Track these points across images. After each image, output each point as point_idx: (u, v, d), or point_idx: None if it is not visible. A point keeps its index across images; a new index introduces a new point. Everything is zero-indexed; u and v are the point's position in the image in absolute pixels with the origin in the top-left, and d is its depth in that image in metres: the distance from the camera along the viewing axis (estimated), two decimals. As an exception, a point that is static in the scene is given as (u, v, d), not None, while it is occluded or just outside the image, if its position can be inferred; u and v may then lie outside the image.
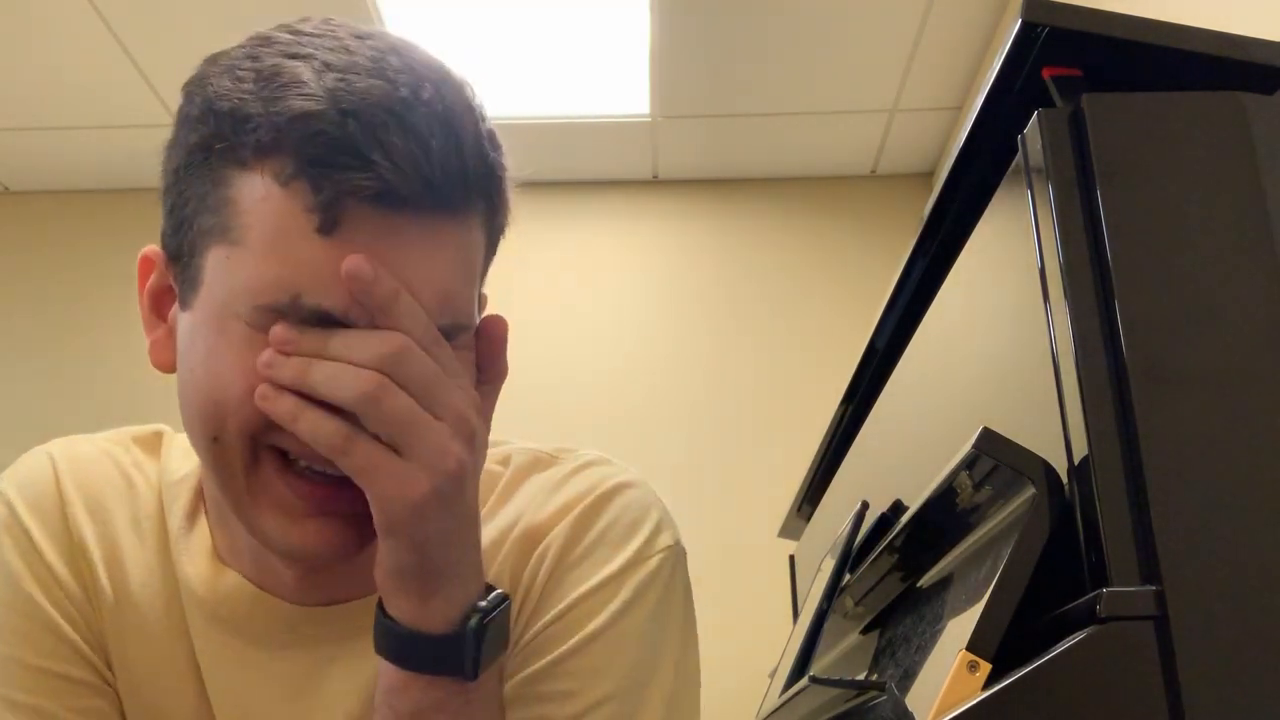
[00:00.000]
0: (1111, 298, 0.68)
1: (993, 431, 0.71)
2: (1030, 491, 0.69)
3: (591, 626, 0.74)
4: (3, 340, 3.07)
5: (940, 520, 0.86)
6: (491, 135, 0.70)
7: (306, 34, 0.67)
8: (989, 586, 0.66)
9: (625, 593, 0.75)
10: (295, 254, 0.64)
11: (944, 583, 0.82)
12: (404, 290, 0.64)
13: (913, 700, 0.72)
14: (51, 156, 3.07)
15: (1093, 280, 0.69)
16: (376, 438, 0.63)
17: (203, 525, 0.80)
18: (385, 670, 0.68)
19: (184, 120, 0.69)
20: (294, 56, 0.65)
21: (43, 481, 0.79)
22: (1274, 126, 0.73)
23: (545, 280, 3.10)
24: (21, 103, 2.85)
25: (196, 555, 0.79)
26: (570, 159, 3.11)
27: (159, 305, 0.73)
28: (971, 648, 0.64)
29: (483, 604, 0.68)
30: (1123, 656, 0.61)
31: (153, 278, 0.73)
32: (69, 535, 0.78)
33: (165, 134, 0.72)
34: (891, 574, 1.00)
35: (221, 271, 0.66)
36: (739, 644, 2.54)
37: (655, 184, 3.23)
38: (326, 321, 0.64)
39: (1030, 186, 0.76)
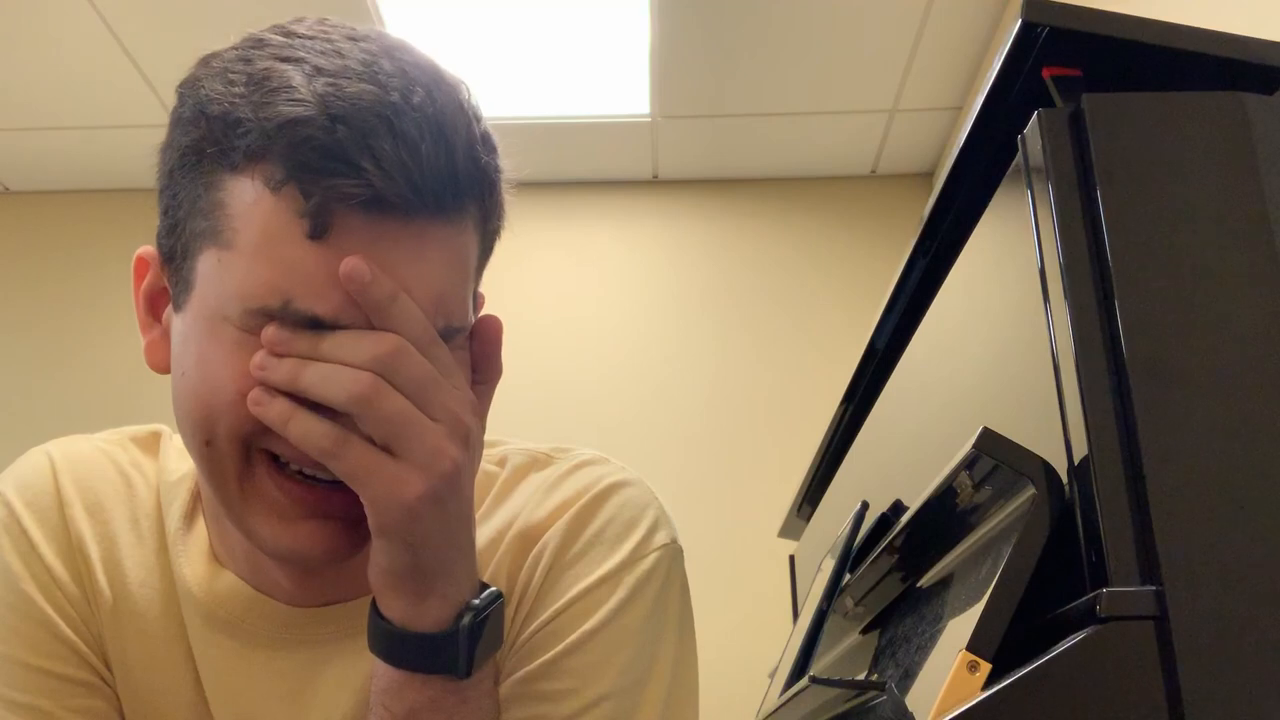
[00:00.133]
0: (1111, 298, 0.68)
1: (993, 431, 0.71)
2: (1030, 491, 0.69)
3: (588, 625, 0.74)
4: (2, 340, 3.07)
5: (940, 520, 0.86)
6: (486, 137, 0.69)
7: (300, 36, 0.67)
8: (989, 586, 0.66)
9: (622, 591, 0.75)
10: (286, 259, 0.64)
11: (944, 583, 0.82)
12: (401, 291, 0.64)
13: (913, 700, 0.72)
14: (51, 156, 3.07)
15: (1093, 280, 0.69)
16: (370, 440, 0.63)
17: (200, 526, 0.80)
18: (379, 670, 0.68)
19: (177, 122, 0.69)
20: (286, 60, 0.65)
21: (41, 481, 0.79)
22: (1274, 126, 0.73)
23: (545, 280, 3.10)
24: (21, 103, 2.85)
25: (194, 556, 0.79)
26: (570, 159, 3.11)
27: (154, 306, 0.73)
28: (971, 648, 0.64)
29: (476, 602, 0.68)
30: (1123, 656, 0.61)
31: (148, 278, 0.73)
32: (67, 535, 0.78)
33: (163, 135, 0.72)
34: (891, 574, 1.00)
35: (213, 275, 0.66)
36: (739, 644, 2.55)
37: (655, 184, 3.23)
38: (317, 326, 0.64)
39: (1030, 186, 0.75)
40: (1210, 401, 0.66)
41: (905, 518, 0.92)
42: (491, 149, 0.70)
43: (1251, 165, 0.71)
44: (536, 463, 0.82)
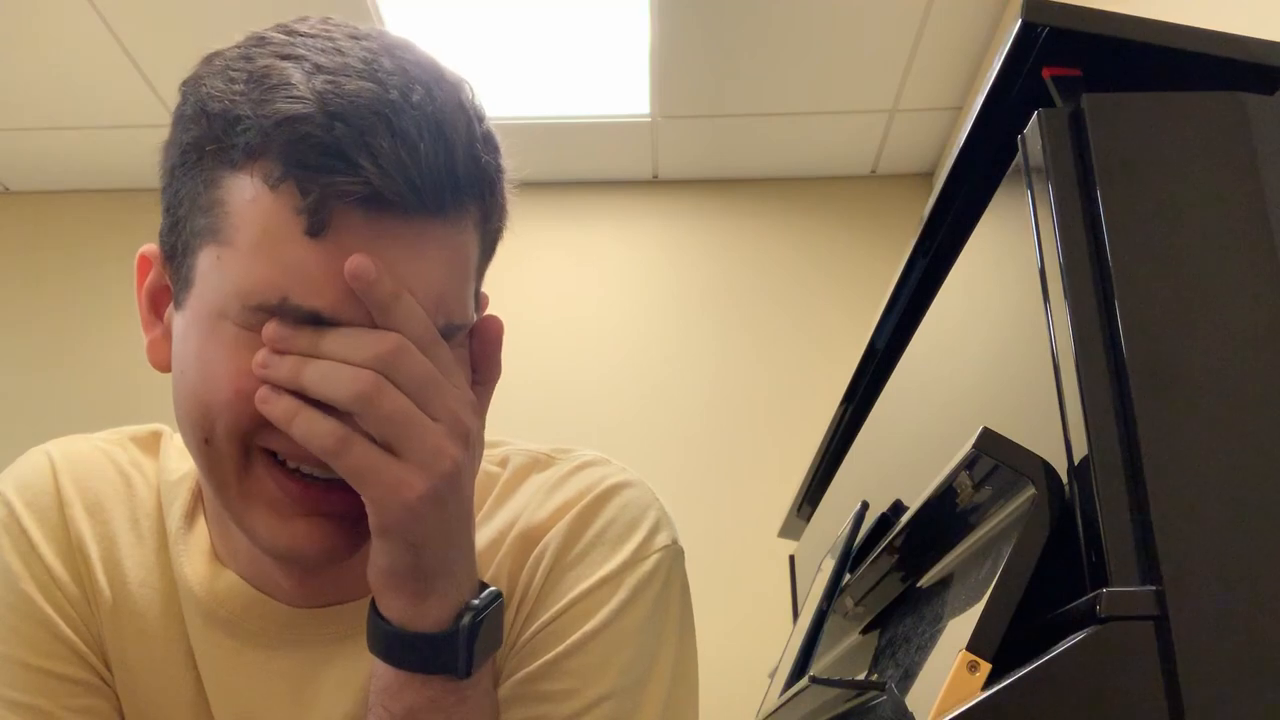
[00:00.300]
0: (1111, 298, 0.68)
1: (993, 431, 0.71)
2: (1030, 491, 0.69)
3: (589, 625, 0.74)
4: (2, 339, 3.07)
5: (940, 520, 0.86)
6: (487, 136, 0.69)
7: (301, 34, 0.67)
8: (989, 586, 0.66)
9: (623, 592, 0.75)
10: (284, 255, 0.64)
11: (944, 583, 0.82)
12: (404, 290, 0.64)
13: (913, 700, 0.72)
14: (51, 156, 3.07)
15: (1093, 280, 0.69)
16: (370, 439, 0.63)
17: (201, 525, 0.80)
18: (378, 670, 0.68)
19: (178, 120, 0.69)
20: (286, 58, 0.65)
21: (41, 481, 0.79)
22: (1274, 126, 0.73)
23: (545, 280, 3.10)
24: (21, 103, 2.85)
25: (195, 555, 0.79)
26: (570, 159, 3.11)
27: (156, 304, 0.73)
28: (971, 648, 0.64)
29: (476, 602, 0.68)
30: (1123, 656, 0.61)
31: (150, 277, 0.73)
32: (67, 535, 0.78)
33: (165, 134, 0.72)
34: (891, 574, 1.00)
35: (212, 272, 0.66)
36: (739, 644, 2.55)
37: (655, 184, 3.23)
38: (316, 322, 0.64)
39: (1030, 186, 0.75)
40: (1210, 401, 0.66)
41: (905, 518, 0.92)
42: (493, 148, 0.70)
43: (1251, 165, 0.71)
44: (538, 463, 0.82)
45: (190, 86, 0.69)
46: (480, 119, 0.69)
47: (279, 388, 0.64)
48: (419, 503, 0.63)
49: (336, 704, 0.76)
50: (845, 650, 1.18)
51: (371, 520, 0.65)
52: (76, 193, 3.19)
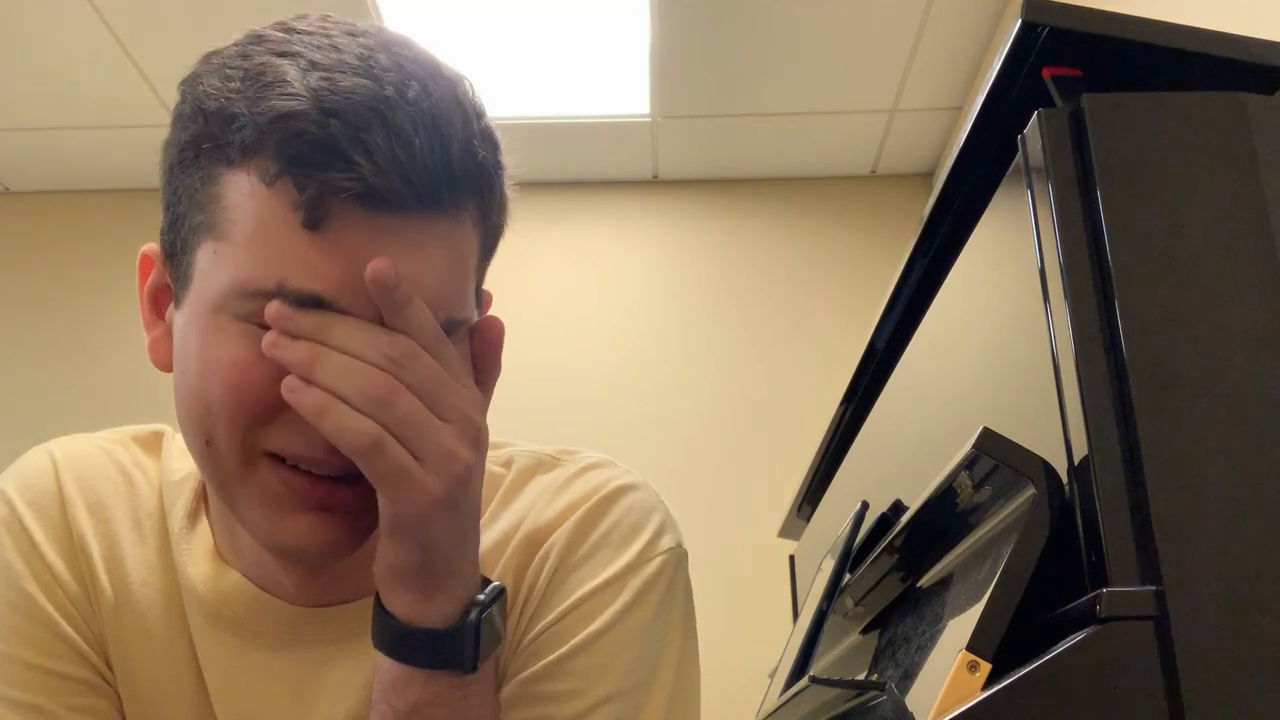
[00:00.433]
0: (1111, 298, 0.68)
1: (993, 431, 0.71)
2: (1030, 491, 0.69)
3: (593, 627, 0.74)
4: (2, 339, 3.07)
5: (940, 520, 0.86)
6: (486, 132, 0.69)
7: (299, 31, 0.67)
8: (989, 586, 0.66)
9: (627, 594, 0.75)
10: (280, 244, 0.64)
11: (944, 583, 0.82)
12: (417, 296, 0.64)
13: (913, 700, 0.72)
14: (51, 156, 3.07)
15: (1093, 280, 0.69)
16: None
17: (204, 525, 0.80)
18: (383, 666, 0.68)
19: (177, 118, 0.70)
20: (282, 55, 0.66)
21: (43, 480, 0.79)
22: (1274, 126, 0.73)
23: (545, 280, 3.10)
24: (21, 103, 2.85)
25: (198, 554, 0.79)
26: (570, 159, 3.11)
27: (157, 303, 0.73)
28: (971, 648, 0.64)
29: (481, 597, 0.68)
30: (1123, 656, 0.61)
31: (151, 276, 0.73)
32: (69, 534, 0.78)
33: (165, 133, 0.72)
34: (891, 574, 1.00)
35: (209, 267, 0.67)
36: (739, 644, 2.55)
37: (655, 184, 3.23)
38: (314, 305, 0.64)
39: (1030, 186, 0.75)
40: (1210, 401, 0.66)
41: (905, 518, 0.92)
42: (492, 145, 0.70)
43: (1251, 165, 0.71)
44: (542, 465, 0.82)
45: (188, 85, 0.69)
46: (479, 115, 0.69)
47: (301, 376, 0.63)
48: (433, 505, 0.64)
49: (338, 704, 0.76)
50: (845, 650, 1.18)
51: (384, 519, 0.65)
52: (76, 193, 3.19)
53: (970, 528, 0.81)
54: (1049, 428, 0.70)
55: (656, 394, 3.01)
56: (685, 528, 0.82)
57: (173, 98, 0.71)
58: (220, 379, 0.66)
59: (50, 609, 0.76)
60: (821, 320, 3.06)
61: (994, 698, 0.61)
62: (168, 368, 0.72)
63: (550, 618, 0.75)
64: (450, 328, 0.67)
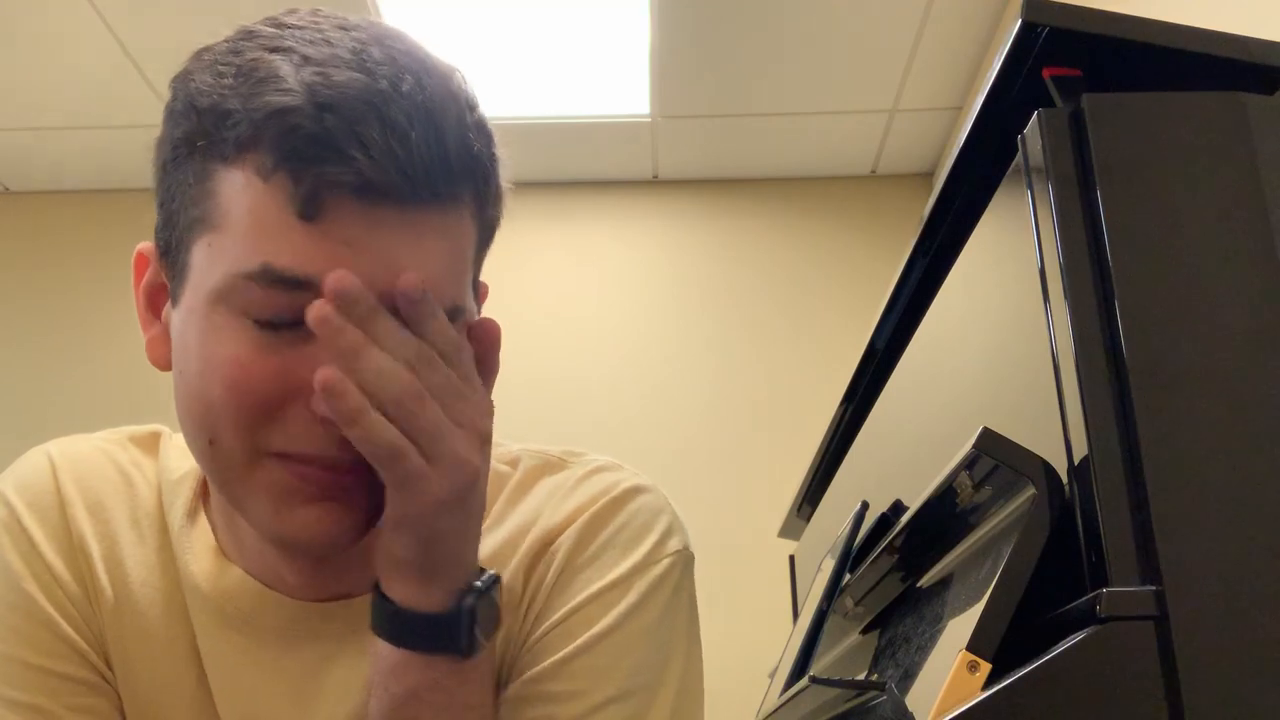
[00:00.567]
0: (1111, 298, 0.68)
1: (993, 431, 0.71)
2: (1030, 491, 0.69)
3: (598, 627, 0.74)
4: (2, 339, 3.07)
5: (940, 520, 0.86)
6: (480, 124, 0.70)
7: (290, 26, 0.67)
8: (989, 586, 0.66)
9: (633, 595, 0.75)
10: (272, 233, 0.64)
11: (944, 583, 0.82)
12: (438, 306, 0.65)
13: (913, 700, 0.72)
14: (51, 156, 3.07)
15: (1093, 280, 0.69)
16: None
17: (203, 523, 0.80)
18: (382, 651, 0.69)
19: (169, 116, 0.70)
20: (274, 50, 0.66)
21: (42, 481, 0.79)
22: (1274, 126, 0.73)
23: (545, 280, 3.10)
24: (21, 103, 2.85)
25: (199, 552, 0.79)
26: (570, 159, 3.11)
27: (153, 302, 0.73)
28: (971, 648, 0.64)
29: (478, 584, 0.69)
30: (1123, 656, 0.61)
31: (147, 275, 0.73)
32: (68, 534, 0.78)
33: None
34: (891, 574, 1.00)
35: (204, 262, 0.67)
36: (739, 644, 2.54)
37: (655, 184, 3.23)
38: (304, 288, 0.63)
39: (1030, 186, 0.75)
40: (1210, 401, 0.66)
41: (905, 518, 0.92)
42: (487, 137, 0.70)
43: (1251, 165, 0.71)
44: (550, 466, 0.82)
45: (180, 82, 0.69)
46: (472, 107, 0.70)
47: (338, 388, 0.63)
48: (440, 507, 0.65)
49: (342, 700, 0.76)
50: (845, 650, 1.18)
51: (390, 513, 0.66)
52: (76, 193, 3.19)
53: (970, 528, 0.81)
54: (1049, 428, 0.70)
55: (656, 394, 3.01)
56: (685, 527, 0.82)
57: (172, 97, 0.71)
58: (220, 377, 0.66)
59: (50, 609, 0.76)
60: (821, 320, 3.06)
61: (994, 698, 0.61)
62: (166, 366, 0.72)
63: (556, 617, 0.75)
64: (452, 316, 0.68)
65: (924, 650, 0.76)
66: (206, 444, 0.68)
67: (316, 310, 0.62)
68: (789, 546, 2.04)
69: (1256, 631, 0.62)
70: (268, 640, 0.77)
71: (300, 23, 0.68)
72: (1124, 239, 0.69)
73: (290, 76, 0.64)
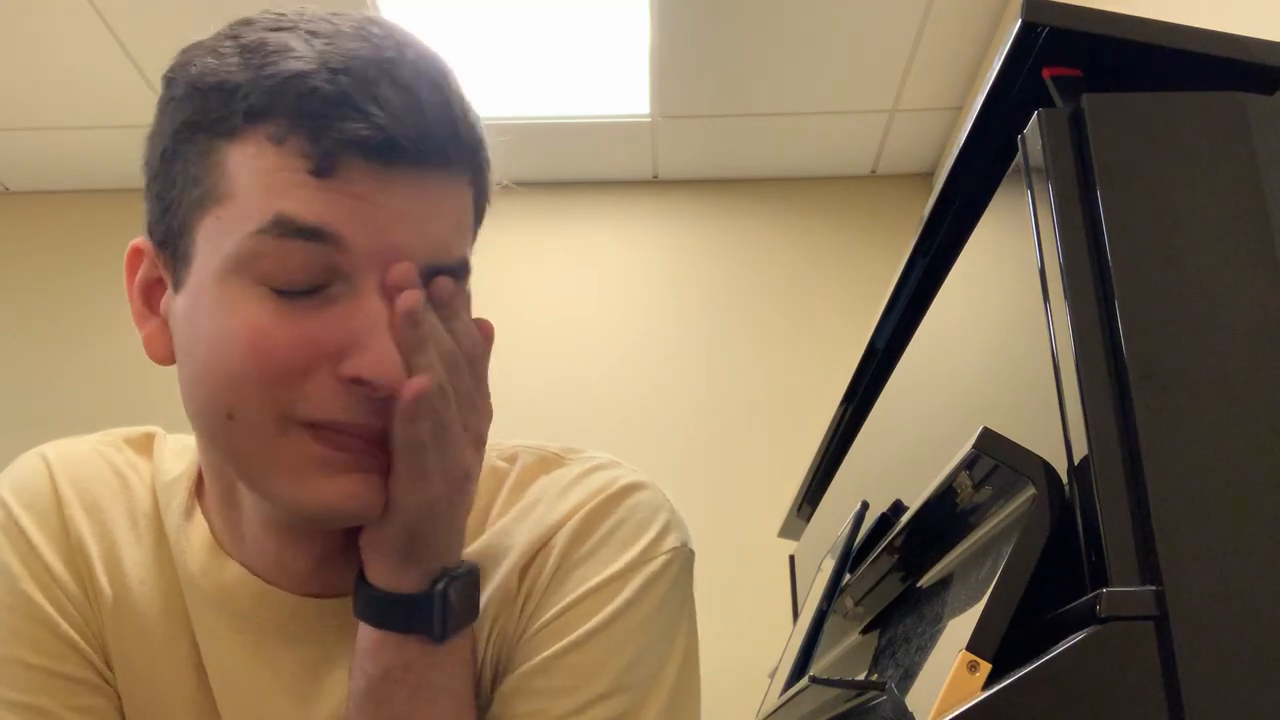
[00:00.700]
0: (1111, 298, 0.68)
1: (993, 431, 0.71)
2: (1030, 491, 0.69)
3: (592, 623, 0.74)
4: (2, 339, 3.07)
5: (940, 520, 0.86)
6: (472, 104, 0.72)
7: (285, 14, 0.69)
8: (989, 586, 0.66)
9: (628, 591, 0.75)
10: (286, 188, 0.65)
11: (944, 583, 0.82)
12: (467, 313, 0.69)
13: (913, 700, 0.72)
14: (51, 156, 3.07)
15: (1093, 280, 0.69)
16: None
17: (200, 521, 0.79)
18: (363, 634, 0.71)
19: (165, 106, 0.70)
20: (278, 30, 0.67)
21: (38, 482, 0.79)
22: (1274, 126, 0.73)
23: (545, 280, 3.10)
24: (21, 103, 2.85)
25: (197, 550, 0.78)
26: (570, 159, 3.11)
27: (149, 298, 0.73)
28: (971, 648, 0.64)
29: (457, 571, 0.71)
30: (1123, 656, 0.61)
31: (142, 270, 0.73)
32: (66, 534, 0.78)
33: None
34: (891, 574, 1.00)
35: (213, 236, 0.67)
36: (739, 644, 2.54)
37: (655, 184, 3.23)
38: (318, 238, 0.64)
39: (1030, 186, 0.75)
40: (1210, 401, 0.66)
41: (905, 518, 0.92)
42: (478, 117, 0.72)
43: (1251, 165, 0.71)
44: (548, 462, 0.82)
45: (176, 73, 0.70)
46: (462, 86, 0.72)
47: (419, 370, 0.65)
48: (433, 503, 0.68)
49: (343, 697, 0.76)
50: (845, 650, 1.18)
51: (390, 502, 0.68)
52: (76, 193, 3.19)
53: (970, 528, 0.81)
54: (1049, 428, 0.70)
55: (656, 394, 3.01)
56: (685, 524, 0.82)
57: (173, 98, 0.71)
58: (239, 346, 0.65)
59: (49, 609, 0.76)
60: (821, 320, 3.06)
61: (994, 698, 0.61)
62: (167, 360, 0.72)
63: (551, 613, 0.75)
64: (460, 270, 0.70)
65: (924, 650, 0.76)
66: (224, 419, 0.67)
67: (410, 298, 0.64)
68: (789, 546, 2.04)
69: (1256, 631, 0.62)
70: (267, 637, 0.77)
71: (296, 12, 0.70)
72: (1124, 239, 0.69)
73: (301, 47, 0.65)
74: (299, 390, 0.66)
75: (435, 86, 0.67)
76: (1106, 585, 0.63)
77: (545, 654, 0.74)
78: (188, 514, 0.80)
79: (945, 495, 0.80)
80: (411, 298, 0.65)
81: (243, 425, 0.67)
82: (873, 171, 3.20)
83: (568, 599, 0.75)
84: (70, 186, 3.18)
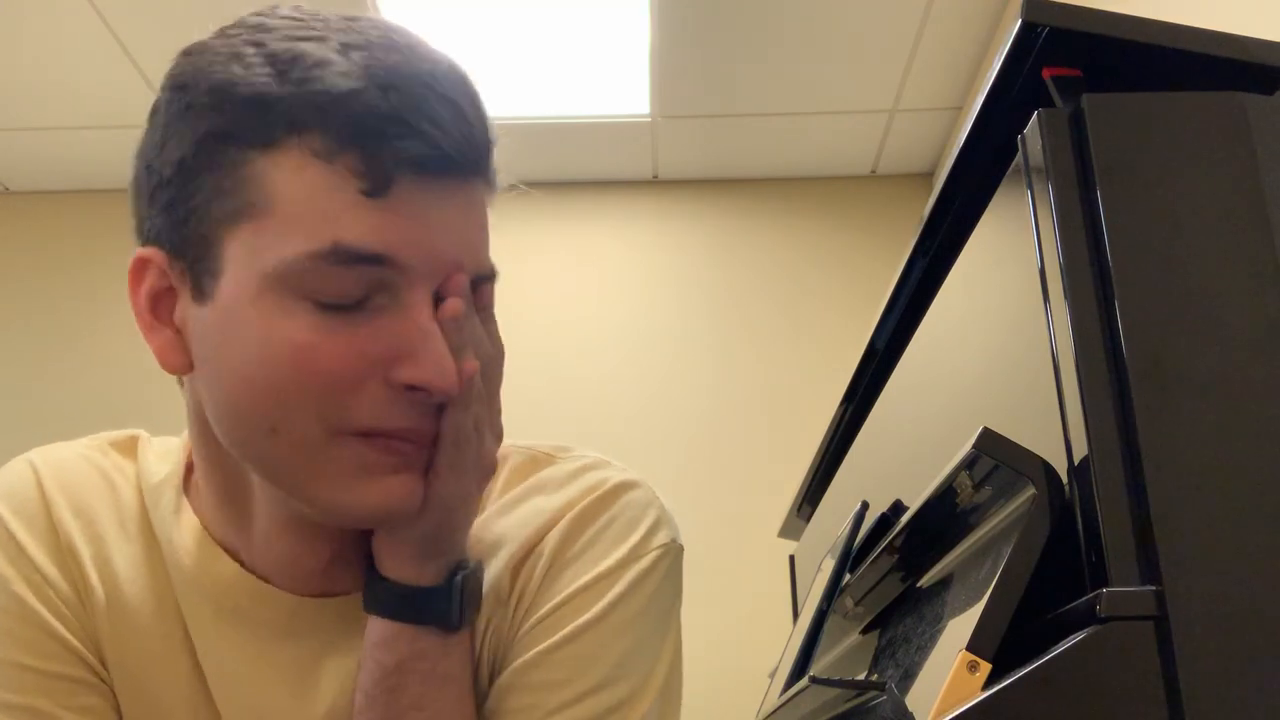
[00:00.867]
0: (1111, 298, 0.68)
1: (993, 431, 0.71)
2: (1030, 491, 0.69)
3: (584, 618, 0.75)
4: (2, 340, 3.07)
5: (940, 520, 0.86)
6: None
7: (297, 19, 0.68)
8: (989, 586, 0.66)
9: (620, 586, 0.76)
10: (336, 210, 0.65)
11: (944, 583, 0.82)
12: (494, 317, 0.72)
13: (913, 700, 0.72)
14: (51, 156, 3.07)
15: (1093, 280, 0.69)
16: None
17: (191, 520, 0.79)
18: (374, 627, 0.73)
19: (181, 113, 0.68)
20: (305, 39, 0.67)
21: (26, 487, 0.79)
22: (1274, 126, 0.73)
23: (545, 280, 3.10)
24: (21, 103, 2.85)
25: (190, 548, 0.78)
26: (570, 159, 3.11)
27: (158, 308, 0.71)
28: (971, 648, 0.64)
29: (468, 563, 0.74)
30: (1123, 656, 0.61)
31: (150, 279, 0.71)
32: (56, 536, 0.78)
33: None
34: (891, 574, 1.00)
35: (249, 250, 0.66)
36: (739, 644, 2.55)
37: (655, 184, 3.23)
38: (373, 264, 0.65)
39: (1030, 186, 0.76)
40: (1210, 401, 0.66)
41: (905, 518, 0.92)
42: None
43: (1251, 165, 0.71)
44: (538, 461, 0.83)
45: (189, 78, 0.68)
46: None
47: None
48: (466, 497, 0.72)
49: (342, 693, 0.76)
50: (845, 650, 1.18)
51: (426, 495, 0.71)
52: (76, 193, 3.19)
53: (970, 528, 0.81)
54: (1049, 428, 0.70)
55: (656, 394, 3.01)
56: (685, 528, 0.82)
57: (174, 98, 0.71)
58: (288, 363, 0.65)
59: (42, 611, 0.76)
60: (821, 320, 3.06)
61: (994, 698, 0.61)
62: (185, 370, 0.71)
63: (544, 610, 0.76)
64: (494, 275, 0.72)
65: (924, 650, 0.76)
66: (268, 432, 0.67)
67: (456, 305, 0.67)
68: (789, 546, 2.04)
69: (1256, 632, 0.62)
70: (263, 634, 0.77)
71: (299, 15, 0.69)
72: (1124, 239, 0.69)
73: (341, 61, 0.65)
74: (349, 401, 0.66)
75: (470, 97, 0.69)
76: (1106, 585, 0.63)
77: (539, 649, 0.75)
78: (177, 514, 0.80)
79: (945, 495, 0.80)
80: (457, 304, 0.67)
81: (287, 438, 0.67)
82: (873, 171, 3.20)
83: (560, 596, 0.76)
84: (70, 186, 3.18)
